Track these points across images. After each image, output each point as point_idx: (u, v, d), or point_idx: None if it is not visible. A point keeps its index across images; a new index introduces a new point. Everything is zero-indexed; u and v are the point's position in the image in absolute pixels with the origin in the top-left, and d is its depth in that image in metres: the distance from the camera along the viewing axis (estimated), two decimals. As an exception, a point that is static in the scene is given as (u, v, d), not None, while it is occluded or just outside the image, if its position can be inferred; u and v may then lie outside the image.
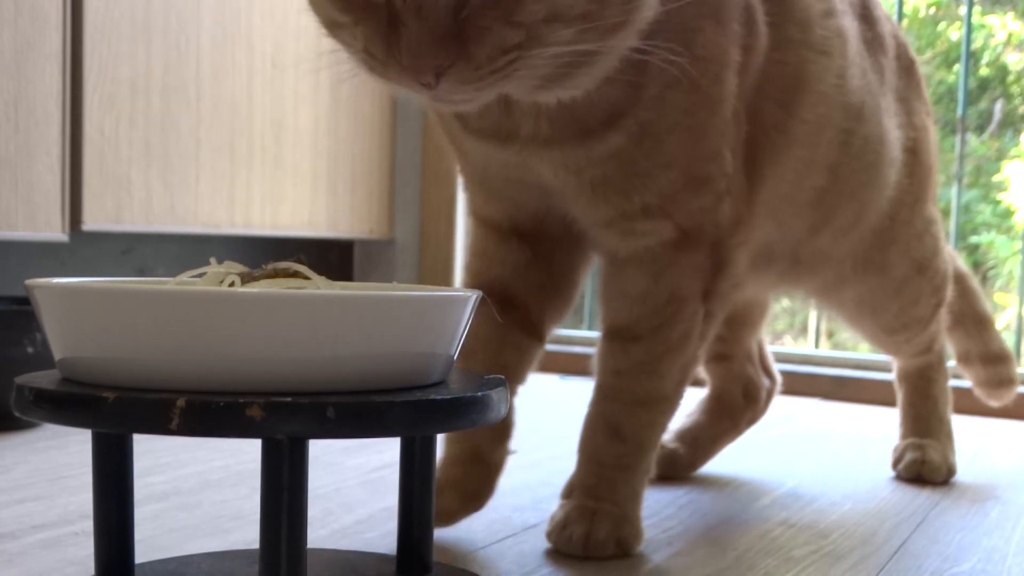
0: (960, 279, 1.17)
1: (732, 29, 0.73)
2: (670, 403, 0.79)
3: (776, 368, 1.15)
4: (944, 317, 1.11)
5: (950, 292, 1.10)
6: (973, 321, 1.19)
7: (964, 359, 1.21)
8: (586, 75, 0.65)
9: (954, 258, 1.17)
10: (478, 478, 0.83)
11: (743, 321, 1.08)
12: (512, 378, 0.82)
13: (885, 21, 0.98)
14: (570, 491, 0.79)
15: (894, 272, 1.01)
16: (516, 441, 1.20)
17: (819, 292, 1.03)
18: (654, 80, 0.69)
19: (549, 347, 1.26)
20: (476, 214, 0.84)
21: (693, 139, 0.72)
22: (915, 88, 1.03)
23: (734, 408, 1.09)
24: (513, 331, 0.82)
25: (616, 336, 0.78)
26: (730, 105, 0.74)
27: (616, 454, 0.77)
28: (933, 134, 1.07)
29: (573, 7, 0.59)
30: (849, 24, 0.86)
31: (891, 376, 1.17)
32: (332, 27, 0.66)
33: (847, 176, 0.90)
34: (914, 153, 1.01)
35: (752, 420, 1.11)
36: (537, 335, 0.83)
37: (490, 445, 0.84)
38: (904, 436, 1.11)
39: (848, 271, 0.99)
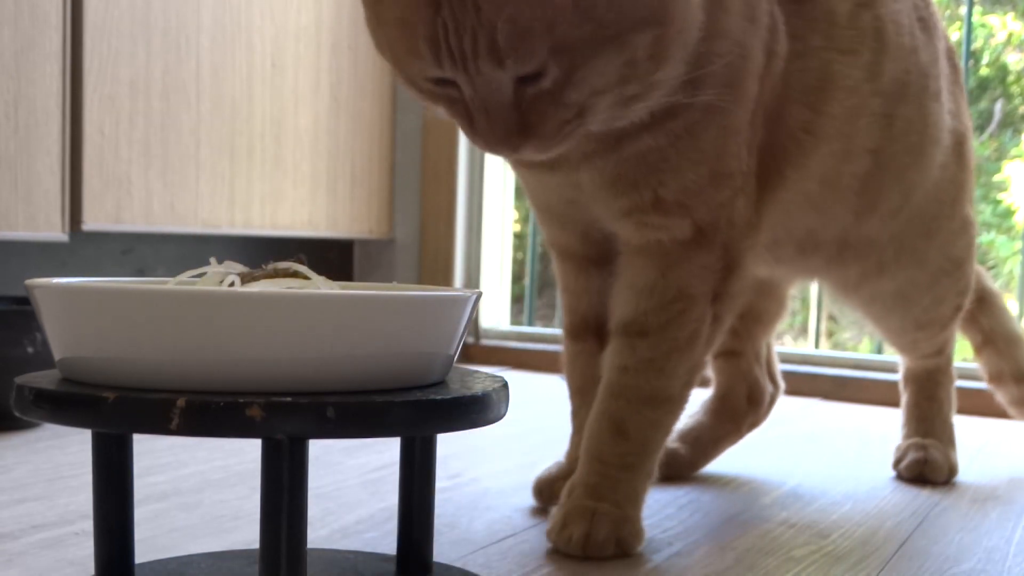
0: (990, 297, 1.19)
1: (762, 32, 0.77)
2: (676, 404, 0.80)
3: (780, 374, 1.15)
4: (958, 322, 1.12)
5: (969, 301, 1.11)
6: (1004, 340, 1.19)
7: (996, 378, 1.20)
8: (643, 107, 0.71)
9: (983, 276, 1.18)
10: None
11: (757, 318, 1.09)
12: None
13: (935, 6, 1.00)
14: (571, 490, 0.79)
15: (930, 266, 1.03)
16: (516, 441, 1.20)
17: (857, 281, 1.02)
18: (707, 85, 0.73)
19: (549, 347, 1.27)
20: (552, 245, 0.90)
21: (725, 137, 0.76)
22: (958, 80, 1.06)
23: (737, 410, 1.09)
24: None
25: (624, 332, 0.79)
26: (751, 106, 0.77)
27: (620, 453, 0.78)
28: (971, 133, 1.09)
29: (608, 81, 0.67)
30: (892, 9, 0.88)
31: (891, 376, 1.18)
32: (422, 102, 0.74)
33: (890, 159, 0.91)
34: (960, 146, 1.03)
35: (754, 424, 1.11)
36: None
37: None
38: (907, 436, 1.11)
39: (890, 259, 1.00)
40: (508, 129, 0.67)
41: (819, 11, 0.83)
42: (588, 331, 0.89)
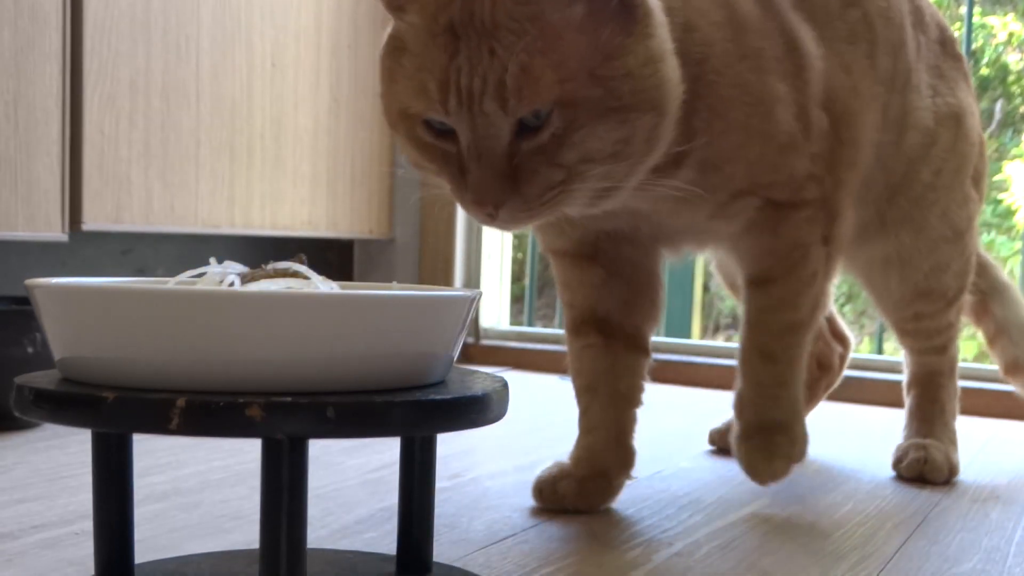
0: (1003, 288, 1.20)
1: (772, 68, 0.83)
2: (808, 327, 0.91)
3: (846, 329, 1.21)
4: (960, 315, 1.13)
5: (970, 282, 1.12)
6: (1018, 329, 1.19)
7: (1011, 368, 1.20)
8: (624, 192, 0.76)
9: (996, 268, 1.20)
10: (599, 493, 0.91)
11: None
12: (633, 403, 0.93)
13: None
14: (741, 406, 0.91)
15: (931, 232, 1.06)
16: (516, 441, 1.20)
17: (857, 245, 1.05)
18: (703, 127, 0.79)
19: (549, 347, 1.29)
20: (547, 247, 0.94)
21: (747, 166, 0.83)
22: (954, 62, 1.09)
23: (810, 377, 1.09)
24: (623, 356, 0.92)
25: (755, 282, 0.90)
26: (787, 127, 0.83)
27: (773, 373, 0.90)
28: (976, 111, 1.12)
29: (603, 150, 0.71)
30: (875, 3, 0.95)
31: (891, 376, 1.18)
32: (419, 167, 0.78)
33: (880, 144, 0.97)
34: (958, 119, 1.06)
35: (829, 385, 1.19)
36: (642, 348, 0.94)
37: (617, 470, 0.92)
38: (908, 437, 1.11)
39: (886, 225, 1.04)
40: (497, 179, 0.69)
41: (817, 8, 0.89)
42: (590, 325, 0.92)
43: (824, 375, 1.17)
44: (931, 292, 1.08)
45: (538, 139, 0.69)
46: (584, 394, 0.93)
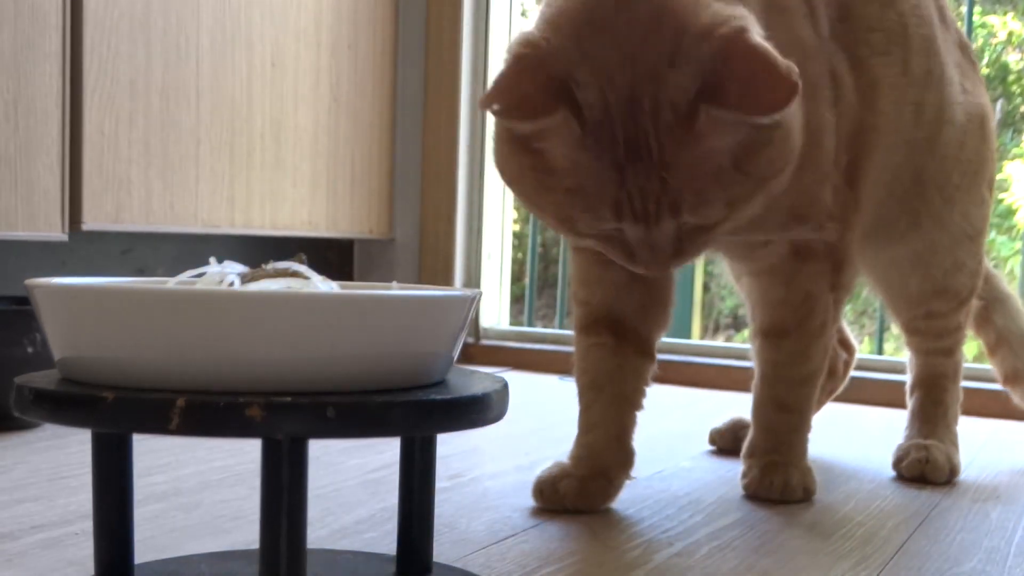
0: (1004, 298, 1.20)
1: (824, 96, 0.87)
2: (819, 374, 0.97)
3: (852, 336, 1.23)
4: (968, 318, 1.14)
5: (980, 284, 1.13)
6: (1019, 339, 1.20)
7: (1011, 378, 1.21)
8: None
9: (998, 278, 1.20)
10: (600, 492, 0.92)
11: None
12: (636, 405, 0.95)
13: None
14: (752, 451, 0.97)
15: (953, 229, 1.07)
16: (516, 441, 1.20)
17: (882, 245, 1.07)
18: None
19: (549, 347, 1.29)
20: (577, 321, 0.96)
21: (796, 195, 0.86)
22: (971, 66, 1.11)
23: None
24: (631, 358, 0.94)
25: (767, 334, 0.96)
26: (830, 156, 0.88)
27: (786, 422, 0.96)
28: (992, 113, 1.14)
29: (755, 213, 0.80)
30: (907, 2, 0.97)
31: (891, 376, 1.18)
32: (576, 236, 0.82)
33: (915, 143, 1.01)
34: (983, 122, 1.09)
35: (833, 391, 1.21)
36: (650, 354, 0.96)
37: (617, 470, 0.93)
38: (910, 437, 1.11)
39: (911, 225, 1.06)
40: (667, 257, 0.78)
41: (857, 19, 0.92)
42: (602, 325, 0.93)
43: (828, 381, 1.18)
44: (947, 291, 1.09)
45: (699, 226, 0.77)
46: (588, 391, 0.93)
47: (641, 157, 0.72)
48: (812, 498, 0.96)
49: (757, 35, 0.73)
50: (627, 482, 0.93)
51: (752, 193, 0.77)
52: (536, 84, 0.71)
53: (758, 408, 0.98)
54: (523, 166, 0.76)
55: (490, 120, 1.98)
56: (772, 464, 0.96)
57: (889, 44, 0.95)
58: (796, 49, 0.81)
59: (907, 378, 1.16)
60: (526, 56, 0.72)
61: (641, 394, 0.95)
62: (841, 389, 1.26)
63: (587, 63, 0.72)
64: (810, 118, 0.83)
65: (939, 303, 1.10)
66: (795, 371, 0.96)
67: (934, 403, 1.13)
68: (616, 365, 0.92)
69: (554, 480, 0.90)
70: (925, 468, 1.06)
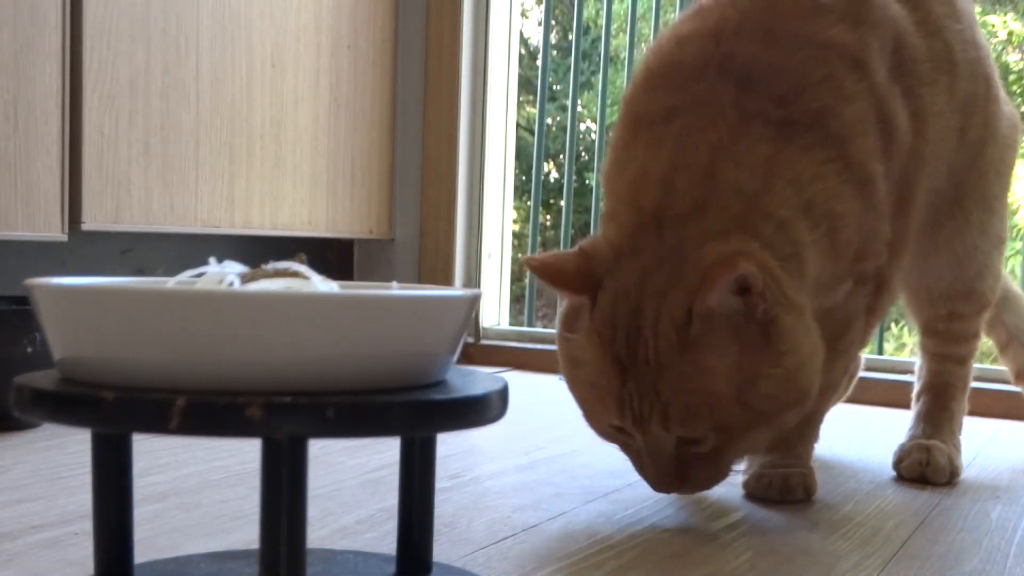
0: (1014, 297, 1.22)
1: (873, 152, 0.89)
2: (835, 389, 1.00)
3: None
4: (982, 327, 1.15)
5: (995, 297, 1.15)
6: None
7: (1021, 376, 1.23)
8: None
9: (1007, 279, 1.22)
10: None
11: None
12: None
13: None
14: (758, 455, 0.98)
15: (991, 235, 1.10)
16: (516, 441, 1.20)
17: (932, 248, 1.09)
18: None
19: (549, 347, 1.29)
20: None
21: (859, 236, 0.89)
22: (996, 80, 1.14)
23: None
24: None
25: None
26: (884, 200, 0.91)
27: (798, 430, 0.93)
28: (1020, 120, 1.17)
29: (759, 446, 0.86)
30: (953, 29, 1.01)
31: (891, 376, 1.17)
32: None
33: (958, 164, 1.04)
34: (1016, 133, 1.12)
35: (836, 400, 1.19)
36: None
37: None
38: (912, 437, 1.11)
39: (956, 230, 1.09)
40: (668, 475, 0.82)
41: (908, 51, 0.94)
42: None
43: None
44: (972, 293, 1.11)
45: (699, 448, 0.81)
46: None
47: (639, 361, 0.79)
48: (812, 498, 0.96)
49: (756, 261, 0.78)
50: None
51: (750, 425, 0.80)
52: (577, 267, 0.83)
53: None
54: (566, 358, 0.86)
55: (490, 120, 1.98)
56: (771, 465, 0.97)
57: (936, 73, 0.97)
58: (835, 142, 0.86)
59: (915, 382, 1.16)
60: (585, 250, 0.84)
61: None
62: (843, 398, 1.27)
63: (615, 275, 0.81)
64: (863, 179, 0.88)
65: (963, 305, 1.11)
66: None
67: (941, 408, 1.13)
68: None
69: None
70: (926, 471, 1.06)
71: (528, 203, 2.56)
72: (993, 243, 1.10)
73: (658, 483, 0.84)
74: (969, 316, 1.12)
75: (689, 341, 0.78)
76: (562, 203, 2.11)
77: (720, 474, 0.84)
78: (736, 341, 0.78)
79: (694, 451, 0.81)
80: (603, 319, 0.80)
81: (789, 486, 0.95)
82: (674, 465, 0.82)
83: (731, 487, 1.00)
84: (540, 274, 0.83)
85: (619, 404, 0.81)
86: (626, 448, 0.86)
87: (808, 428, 0.98)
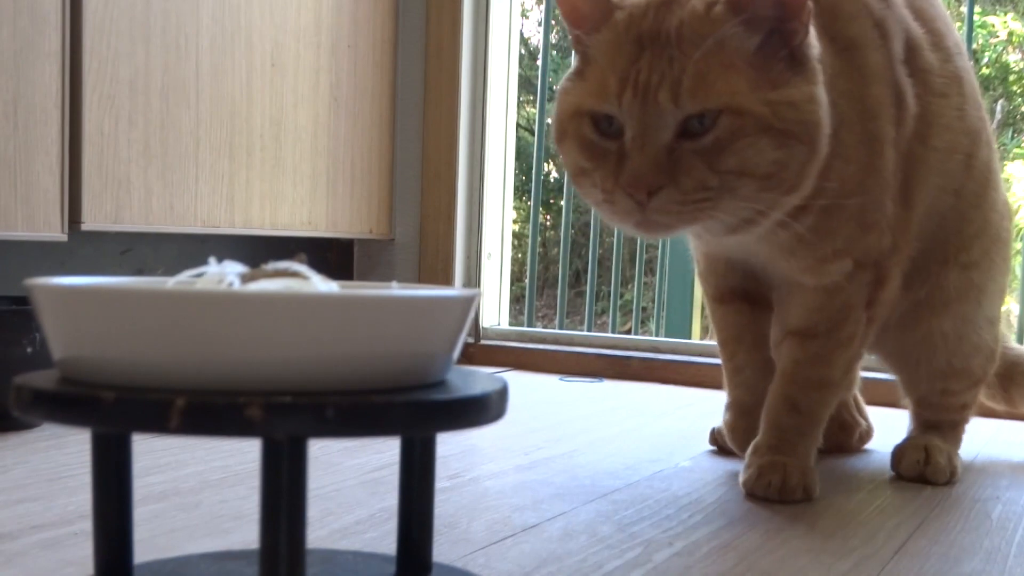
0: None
1: (888, 113, 0.91)
2: (836, 387, 0.99)
3: (869, 418, 1.24)
4: (977, 400, 1.15)
5: (994, 367, 1.15)
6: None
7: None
8: (757, 228, 0.85)
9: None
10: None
11: None
12: (768, 348, 1.03)
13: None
14: (756, 449, 0.98)
15: (987, 307, 1.08)
16: (516, 441, 1.20)
17: (920, 318, 1.07)
18: (837, 171, 0.87)
19: (549, 347, 1.30)
20: (711, 296, 1.08)
21: (864, 201, 0.91)
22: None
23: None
24: (762, 312, 1.05)
25: (796, 334, 0.98)
26: (890, 168, 0.92)
27: (794, 424, 0.97)
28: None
29: (759, 166, 0.79)
30: (964, 64, 1.03)
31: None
32: (578, 175, 0.86)
33: (963, 198, 1.04)
34: (1006, 198, 1.14)
35: (839, 446, 1.19)
36: (771, 309, 1.04)
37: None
38: (911, 436, 1.11)
39: (955, 295, 1.06)
40: (656, 167, 0.78)
41: (922, 62, 0.96)
42: (735, 296, 1.06)
43: (840, 432, 1.19)
44: (965, 371, 1.09)
45: (700, 142, 0.78)
46: (731, 343, 1.07)
47: (661, 41, 0.79)
48: (812, 498, 0.96)
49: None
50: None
51: (756, 129, 0.78)
52: (589, 4, 0.84)
53: (770, 406, 0.99)
54: (564, 86, 0.86)
55: (490, 120, 1.99)
56: (772, 463, 0.96)
57: (948, 88, 0.98)
58: (861, 74, 0.89)
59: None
60: None
61: (766, 341, 1.04)
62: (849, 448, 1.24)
63: None
64: (874, 132, 0.89)
65: (955, 383, 1.10)
66: (813, 373, 0.97)
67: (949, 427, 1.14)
68: (750, 319, 1.05)
69: (732, 424, 1.06)
70: (925, 470, 1.06)
71: (528, 203, 2.56)
72: (988, 318, 1.09)
73: (639, 176, 0.78)
74: (961, 389, 1.10)
75: (721, 18, 0.79)
76: (562, 203, 2.11)
77: (711, 188, 0.79)
78: (767, 42, 0.80)
79: (691, 145, 0.78)
80: (634, 12, 0.81)
81: (788, 487, 0.94)
82: (665, 158, 0.78)
83: (732, 487, 1.00)
84: (564, 13, 0.85)
85: (622, 80, 0.79)
86: (604, 158, 0.82)
87: (809, 427, 0.98)
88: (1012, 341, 1.27)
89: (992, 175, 1.08)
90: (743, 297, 1.06)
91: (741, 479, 0.97)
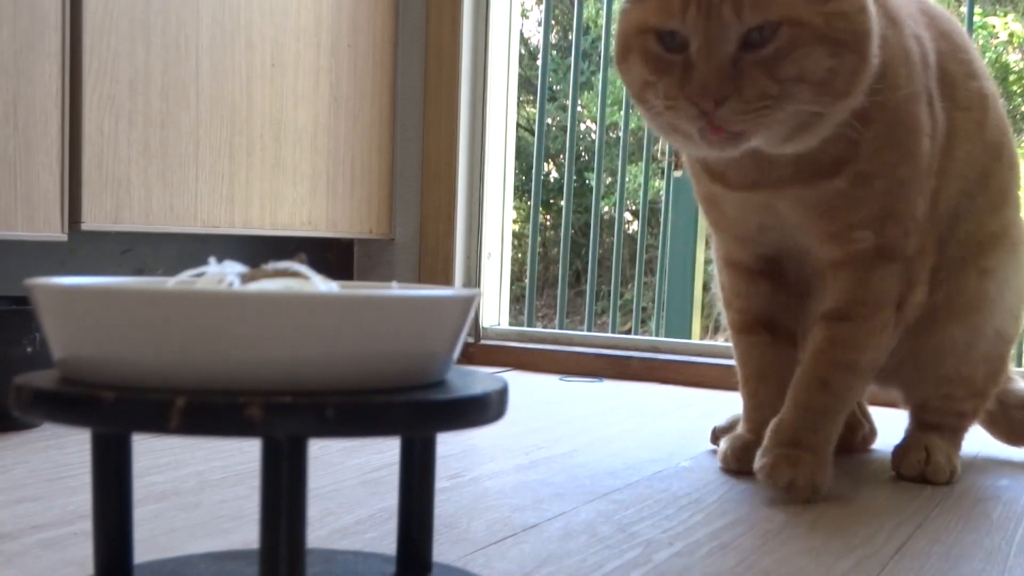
0: None
1: (924, 103, 0.96)
2: (863, 373, 1.00)
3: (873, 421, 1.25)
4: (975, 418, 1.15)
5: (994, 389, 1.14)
6: None
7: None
8: (813, 135, 0.89)
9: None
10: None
11: None
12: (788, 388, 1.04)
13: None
14: (778, 427, 0.98)
15: (996, 320, 1.08)
16: (516, 441, 1.20)
17: (936, 323, 1.07)
18: (869, 142, 0.93)
19: (549, 347, 1.30)
20: (726, 259, 1.10)
21: (893, 185, 0.95)
22: None
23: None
24: (785, 350, 1.08)
25: (830, 317, 0.99)
26: (926, 162, 0.96)
27: (822, 402, 0.98)
28: None
29: (816, 73, 0.85)
30: (991, 87, 1.07)
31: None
32: (642, 88, 0.90)
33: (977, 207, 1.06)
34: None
35: (845, 447, 1.16)
36: (795, 345, 1.08)
37: None
38: (912, 434, 1.11)
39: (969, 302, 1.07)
40: (721, 77, 0.83)
41: (947, 74, 1.01)
42: (760, 326, 1.08)
43: (846, 432, 1.16)
44: (969, 378, 1.09)
45: (761, 53, 0.83)
46: (753, 381, 1.09)
47: None
48: (820, 494, 0.96)
49: None
50: None
51: (814, 39, 0.83)
52: None
53: (797, 385, 0.99)
54: (625, 7, 0.91)
55: (490, 120, 1.98)
56: (786, 457, 0.96)
57: (970, 103, 1.03)
58: (908, 60, 0.94)
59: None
60: None
61: (791, 379, 1.03)
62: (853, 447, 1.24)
63: None
64: (913, 114, 0.94)
65: (958, 389, 1.10)
66: (844, 355, 0.98)
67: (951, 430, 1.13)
68: (774, 357, 1.07)
69: (746, 449, 1.04)
70: (926, 470, 1.06)
71: (528, 203, 2.56)
72: (996, 330, 1.09)
73: (707, 86, 0.83)
74: (964, 397, 1.10)
75: None
76: (562, 203, 2.11)
77: (772, 96, 0.84)
78: None
79: (753, 56, 0.83)
80: None
81: (796, 486, 0.94)
82: (729, 68, 0.83)
83: (732, 487, 1.00)
84: None
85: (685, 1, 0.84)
86: (669, 71, 0.86)
87: (835, 408, 0.98)
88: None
89: (1011, 193, 1.09)
90: (767, 327, 1.08)
91: (756, 465, 0.97)
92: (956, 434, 1.13)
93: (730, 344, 1.15)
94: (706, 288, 2.45)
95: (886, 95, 0.91)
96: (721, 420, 1.21)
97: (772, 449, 0.97)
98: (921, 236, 0.98)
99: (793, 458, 0.95)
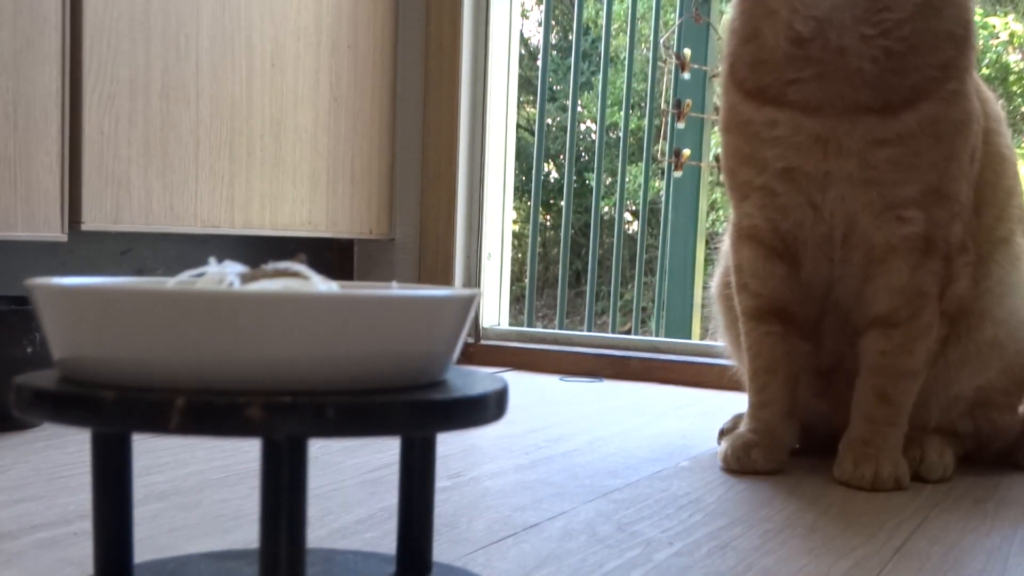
0: None
1: (973, 94, 1.00)
2: (919, 376, 1.04)
3: None
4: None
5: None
6: None
7: None
8: None
9: None
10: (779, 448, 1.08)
11: None
12: (798, 384, 1.09)
13: None
14: (849, 444, 1.03)
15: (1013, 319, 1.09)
16: (516, 441, 1.20)
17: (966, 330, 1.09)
18: (951, 86, 0.96)
19: (549, 347, 1.31)
20: (745, 230, 1.07)
21: (948, 156, 0.98)
22: None
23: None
24: (797, 343, 1.08)
25: (878, 324, 1.02)
26: (969, 151, 0.99)
27: (885, 414, 1.02)
28: None
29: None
30: (1009, 142, 1.11)
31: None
32: None
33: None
34: None
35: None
36: (808, 339, 1.09)
37: (789, 440, 1.10)
38: (908, 433, 1.11)
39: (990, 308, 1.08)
40: None
41: (991, 112, 1.06)
42: (772, 314, 1.07)
43: None
44: (992, 394, 1.10)
45: None
46: (763, 374, 1.08)
47: None
48: (903, 488, 1.01)
49: None
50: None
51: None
52: None
53: (860, 397, 1.04)
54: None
55: (490, 120, 1.99)
56: (864, 455, 1.01)
57: (1000, 125, 1.08)
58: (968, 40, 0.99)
59: None
60: None
61: (801, 375, 1.09)
62: None
63: None
64: (971, 97, 0.98)
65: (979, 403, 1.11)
66: (900, 363, 1.02)
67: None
68: (786, 351, 1.07)
69: (747, 448, 1.06)
70: (920, 468, 1.06)
71: (528, 203, 2.56)
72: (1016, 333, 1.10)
73: None
74: (989, 411, 1.11)
75: None
76: (562, 203, 2.11)
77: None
78: None
79: None
80: None
81: (880, 477, 1.00)
82: None
83: (732, 487, 1.00)
84: None
85: None
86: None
87: (897, 417, 1.02)
88: None
89: (1016, 204, 1.10)
90: (780, 317, 1.07)
91: (836, 473, 1.03)
92: (957, 436, 1.12)
93: (725, 344, 1.15)
94: (706, 288, 2.45)
95: (966, 63, 0.97)
96: (723, 421, 1.21)
97: (847, 456, 1.02)
98: (964, 227, 1.01)
99: (870, 455, 1.01)
